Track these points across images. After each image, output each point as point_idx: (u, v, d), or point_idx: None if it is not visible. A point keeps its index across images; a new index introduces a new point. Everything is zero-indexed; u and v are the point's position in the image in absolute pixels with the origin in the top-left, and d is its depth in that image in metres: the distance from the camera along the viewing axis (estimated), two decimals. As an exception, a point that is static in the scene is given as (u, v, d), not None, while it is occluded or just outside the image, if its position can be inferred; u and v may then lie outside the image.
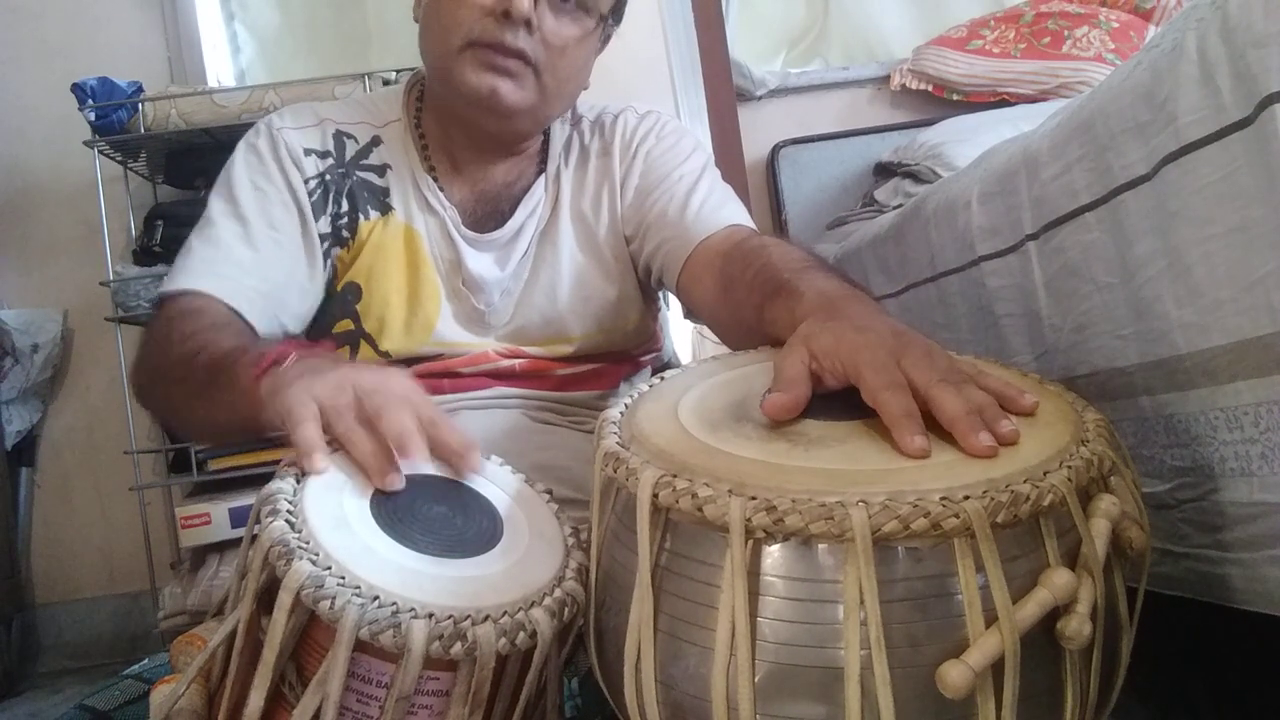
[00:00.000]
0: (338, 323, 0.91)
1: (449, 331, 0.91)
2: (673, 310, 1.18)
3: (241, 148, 0.92)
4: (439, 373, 0.91)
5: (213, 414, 0.71)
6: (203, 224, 0.88)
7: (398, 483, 0.55)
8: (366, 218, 0.91)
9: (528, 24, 0.82)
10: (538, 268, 0.93)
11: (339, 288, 0.91)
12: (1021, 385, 0.57)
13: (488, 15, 0.82)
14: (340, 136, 0.93)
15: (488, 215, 0.93)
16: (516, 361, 0.93)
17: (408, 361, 0.90)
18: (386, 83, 1.83)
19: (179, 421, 0.89)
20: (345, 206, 0.91)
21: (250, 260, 0.86)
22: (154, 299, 0.86)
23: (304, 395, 0.57)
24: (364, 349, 0.91)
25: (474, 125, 0.89)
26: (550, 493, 0.65)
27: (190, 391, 0.74)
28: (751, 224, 0.90)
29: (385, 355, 0.90)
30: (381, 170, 0.92)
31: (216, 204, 0.89)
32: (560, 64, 0.86)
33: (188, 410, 0.78)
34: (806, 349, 0.54)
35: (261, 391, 0.62)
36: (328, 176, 0.91)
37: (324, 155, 0.92)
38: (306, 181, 0.90)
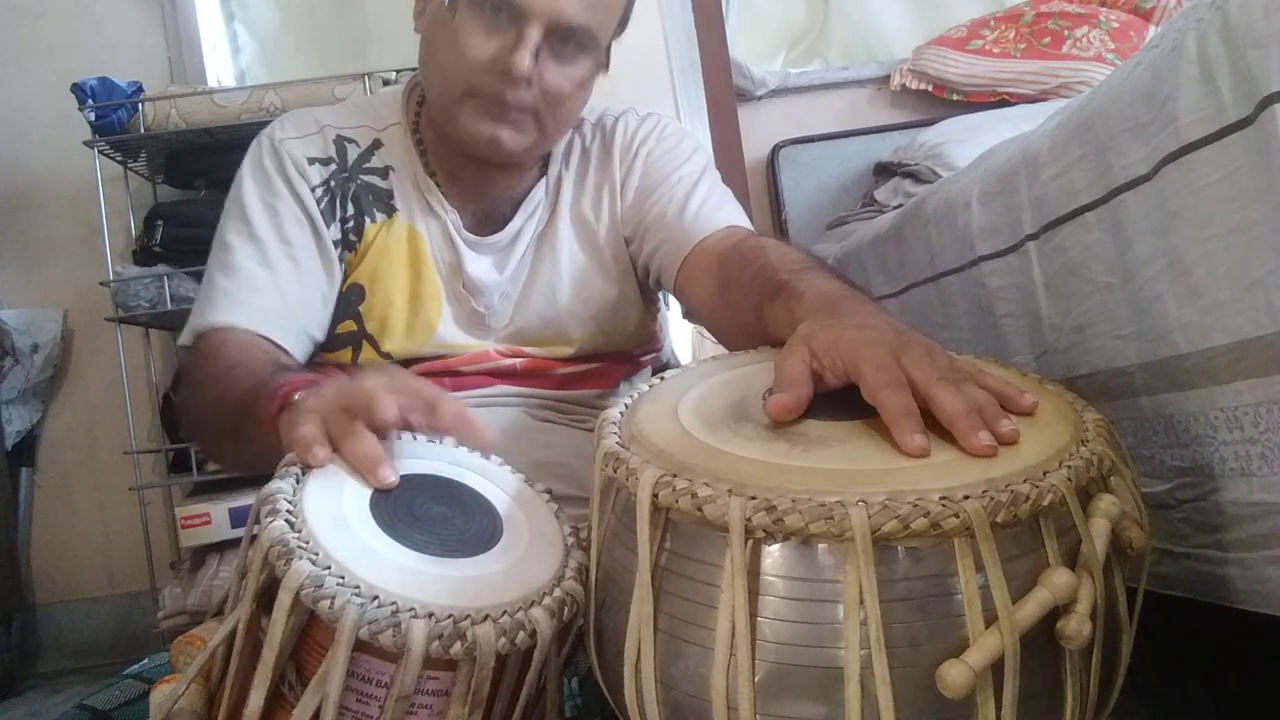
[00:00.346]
0: (340, 324, 0.91)
1: (449, 334, 0.91)
2: (673, 310, 1.18)
3: (247, 166, 0.92)
4: (439, 371, 0.91)
5: (249, 453, 0.74)
6: (219, 250, 0.89)
7: (390, 476, 0.55)
8: (372, 220, 0.91)
9: (528, 78, 0.81)
10: (536, 270, 0.93)
11: (344, 289, 0.91)
12: (1021, 385, 0.57)
13: (488, 70, 0.81)
14: (341, 141, 0.93)
15: (487, 219, 0.93)
16: (517, 360, 0.93)
17: (408, 362, 0.90)
18: (386, 83, 1.83)
19: (226, 462, 0.95)
20: (351, 210, 0.91)
21: (269, 282, 0.86)
22: (185, 344, 0.89)
23: (300, 412, 0.59)
24: (366, 350, 0.91)
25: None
26: (550, 492, 0.65)
27: (223, 434, 0.77)
28: (750, 225, 0.90)
29: (387, 356, 0.90)
30: (384, 173, 0.92)
31: (230, 227, 0.89)
32: (562, 108, 0.86)
33: (229, 450, 0.83)
34: (807, 348, 0.54)
35: (280, 430, 0.63)
36: (332, 182, 0.91)
37: (327, 162, 0.91)
38: (314, 190, 0.90)
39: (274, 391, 0.65)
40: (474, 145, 0.86)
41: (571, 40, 0.82)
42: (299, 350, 0.87)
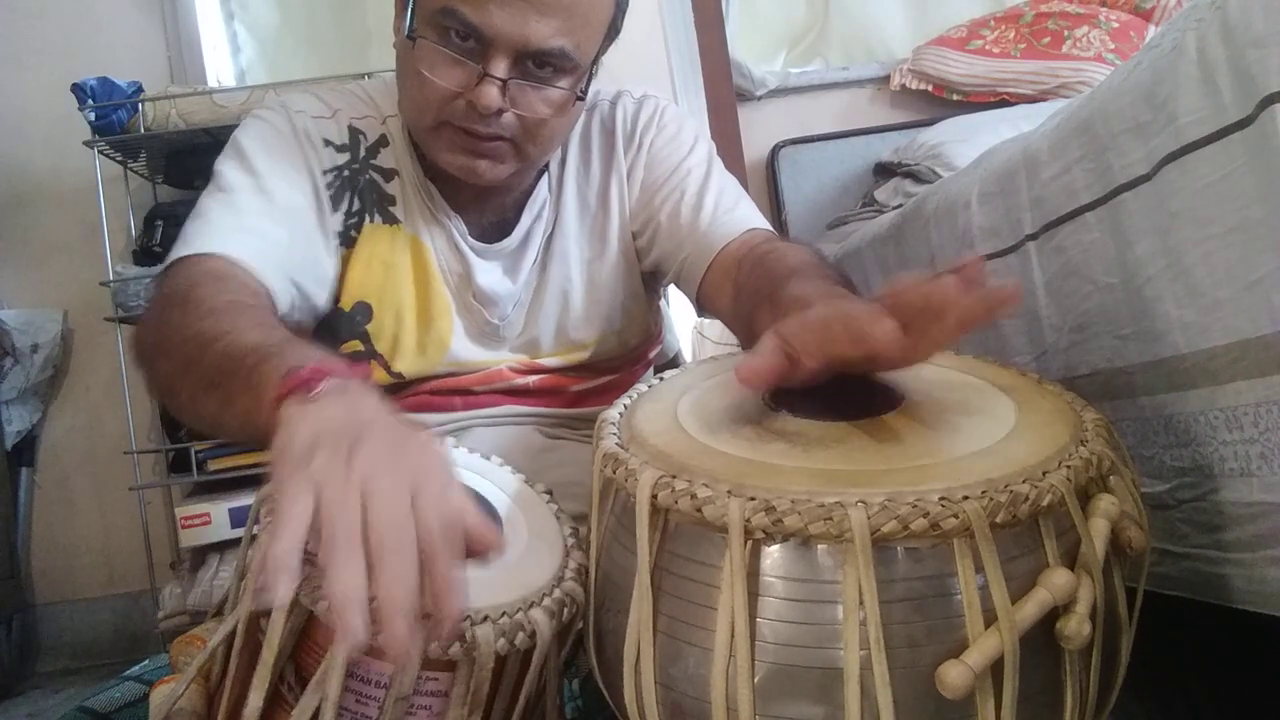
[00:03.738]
0: (344, 344, 0.87)
1: (462, 350, 0.88)
2: (675, 306, 1.17)
3: (254, 123, 0.85)
4: (451, 390, 0.88)
5: (221, 413, 0.61)
6: (215, 190, 0.80)
7: (357, 634, 0.41)
8: (371, 220, 0.87)
9: (499, 109, 0.76)
10: (548, 275, 0.90)
11: (348, 307, 0.86)
12: (1019, 385, 0.57)
13: (457, 99, 0.76)
14: (354, 131, 0.88)
15: (493, 225, 0.89)
16: (531, 378, 0.91)
17: (420, 381, 0.88)
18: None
19: (179, 405, 0.71)
20: (357, 205, 0.87)
21: (273, 235, 0.78)
22: (165, 264, 0.76)
23: (302, 483, 0.45)
24: (376, 371, 0.87)
25: None
26: (550, 493, 0.65)
27: (200, 379, 0.63)
28: (764, 221, 0.88)
29: (399, 377, 0.87)
30: (390, 175, 0.88)
31: (229, 171, 0.81)
32: (542, 133, 0.80)
33: (193, 397, 0.65)
34: (777, 335, 0.53)
35: (281, 415, 0.52)
36: (345, 172, 0.86)
37: (342, 149, 0.87)
38: (325, 173, 0.85)
39: (299, 364, 0.54)
40: (453, 174, 0.82)
41: (547, 64, 0.76)
42: (287, 317, 0.79)
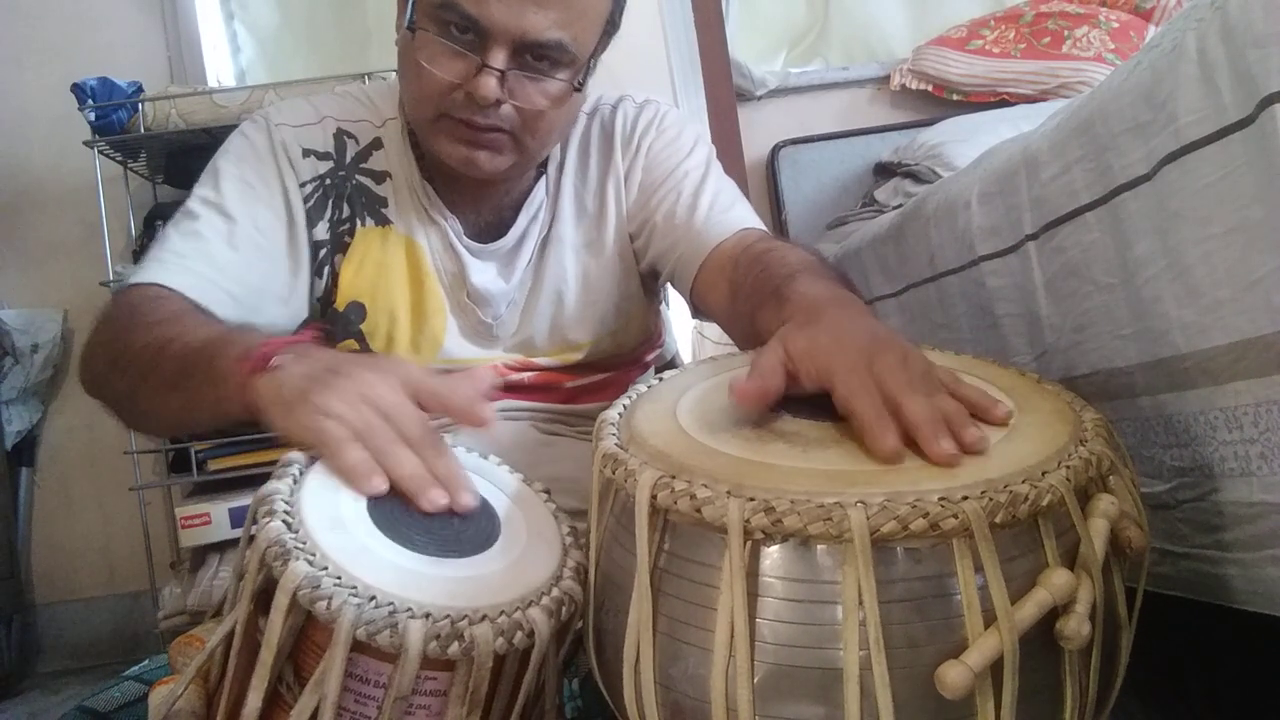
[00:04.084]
0: (340, 344, 0.88)
1: (456, 348, 0.89)
2: (674, 308, 1.17)
3: (235, 140, 0.87)
4: None
5: (189, 408, 0.68)
6: (182, 214, 0.84)
7: (442, 499, 0.55)
8: (362, 224, 0.88)
9: (498, 100, 0.77)
10: (543, 275, 0.91)
11: (342, 307, 0.87)
12: (1019, 385, 0.57)
13: (454, 94, 0.78)
14: (341, 136, 0.89)
15: (489, 225, 0.90)
16: (526, 374, 0.91)
17: None
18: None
19: (141, 414, 0.79)
20: (346, 211, 0.87)
21: (227, 260, 0.81)
22: (116, 289, 0.80)
23: (320, 418, 0.55)
24: None
25: None
26: (548, 492, 0.65)
27: (160, 383, 0.69)
28: (760, 223, 0.88)
29: None
30: (381, 177, 0.89)
31: (200, 194, 0.84)
32: (540, 125, 0.81)
33: (155, 403, 0.72)
34: (784, 348, 0.54)
35: (257, 390, 0.59)
36: (328, 180, 0.87)
37: (324, 157, 0.88)
38: (302, 186, 0.86)
39: (248, 350, 0.61)
40: (453, 166, 0.83)
41: (545, 56, 0.78)
42: None
